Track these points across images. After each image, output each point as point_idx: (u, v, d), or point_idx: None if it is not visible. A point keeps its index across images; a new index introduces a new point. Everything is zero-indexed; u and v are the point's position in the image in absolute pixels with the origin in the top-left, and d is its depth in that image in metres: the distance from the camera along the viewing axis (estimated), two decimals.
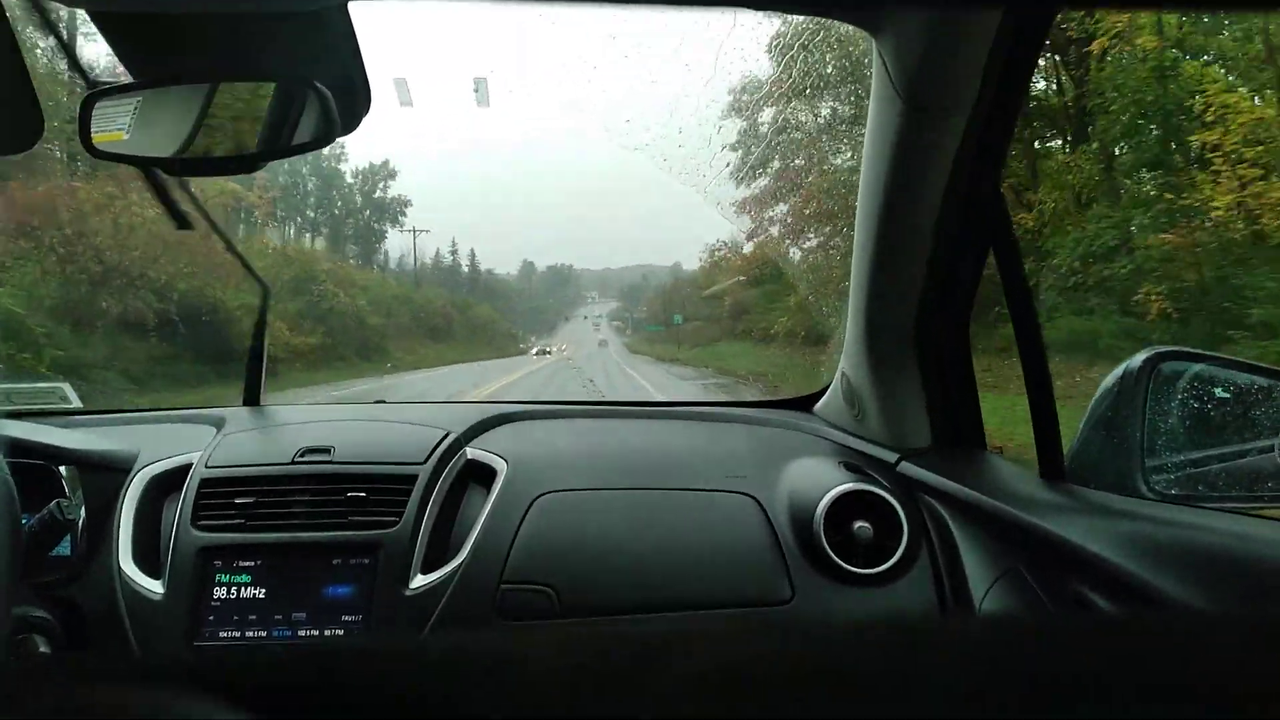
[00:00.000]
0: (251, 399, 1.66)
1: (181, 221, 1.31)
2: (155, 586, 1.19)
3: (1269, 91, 7.51)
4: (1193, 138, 7.46)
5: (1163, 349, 1.05)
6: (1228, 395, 1.08)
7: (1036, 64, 0.99)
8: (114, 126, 0.91)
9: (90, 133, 0.91)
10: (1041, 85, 9.33)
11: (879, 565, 1.20)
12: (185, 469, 1.30)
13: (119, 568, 1.21)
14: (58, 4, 0.77)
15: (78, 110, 0.91)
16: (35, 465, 1.25)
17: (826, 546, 1.20)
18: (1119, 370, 1.05)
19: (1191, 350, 1.10)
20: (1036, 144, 9.67)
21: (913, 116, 1.01)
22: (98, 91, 0.91)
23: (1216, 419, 1.08)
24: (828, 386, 1.59)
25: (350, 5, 0.81)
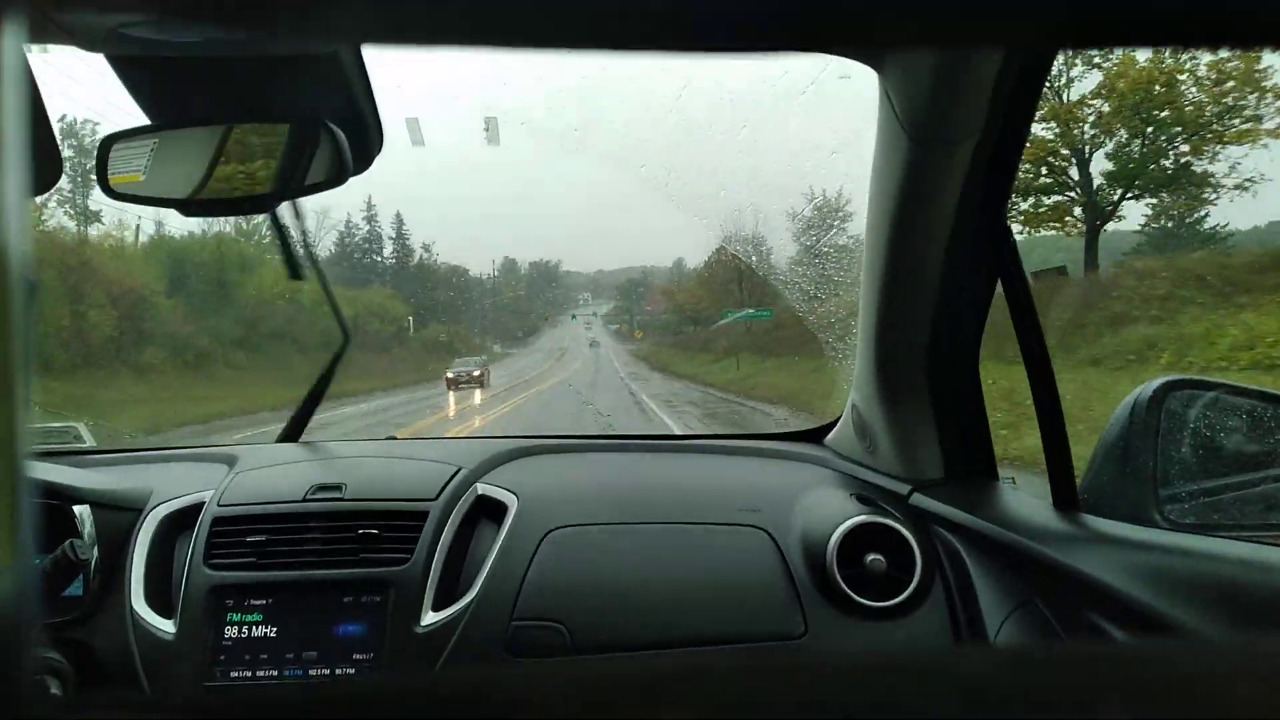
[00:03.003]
0: (290, 436, 1.64)
1: (295, 272, 1.35)
2: (167, 626, 1.18)
3: None
4: None
5: (1175, 378, 1.05)
6: (1241, 423, 1.07)
7: (1041, 96, 1.00)
8: (131, 168, 0.93)
9: (108, 174, 0.93)
10: None
11: (893, 598, 1.19)
12: (197, 508, 1.30)
13: (131, 607, 1.20)
14: (77, 48, 0.78)
15: (96, 152, 0.93)
16: (49, 505, 1.25)
17: (839, 580, 1.19)
18: (1130, 399, 1.04)
19: (1204, 379, 1.09)
20: None
21: (918, 151, 1.02)
22: (115, 134, 0.93)
23: (1230, 447, 1.07)
24: (838, 418, 1.58)
25: (363, 47, 0.82)
